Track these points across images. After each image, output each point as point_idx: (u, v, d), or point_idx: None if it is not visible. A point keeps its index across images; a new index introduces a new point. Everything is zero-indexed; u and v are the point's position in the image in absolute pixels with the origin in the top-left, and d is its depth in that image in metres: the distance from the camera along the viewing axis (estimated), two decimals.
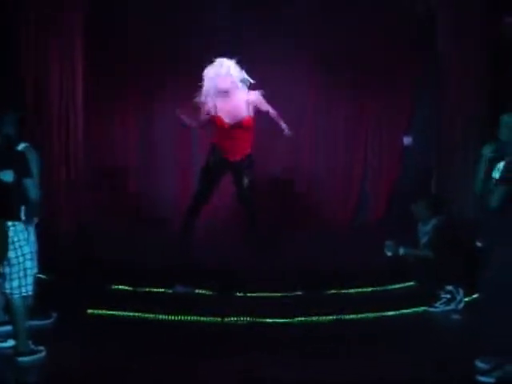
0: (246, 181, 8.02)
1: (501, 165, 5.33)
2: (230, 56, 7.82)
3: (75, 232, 8.93)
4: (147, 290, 7.30)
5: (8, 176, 5.50)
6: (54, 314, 6.58)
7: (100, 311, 6.80)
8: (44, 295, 5.96)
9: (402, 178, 10.34)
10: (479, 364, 5.30)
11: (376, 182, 10.54)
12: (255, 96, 7.81)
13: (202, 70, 8.37)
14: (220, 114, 7.81)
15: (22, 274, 5.59)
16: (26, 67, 8.77)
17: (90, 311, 6.78)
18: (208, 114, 7.88)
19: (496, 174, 5.34)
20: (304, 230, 9.64)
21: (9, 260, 5.54)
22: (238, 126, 7.81)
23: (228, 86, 7.69)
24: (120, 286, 7.34)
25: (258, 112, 7.96)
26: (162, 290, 7.29)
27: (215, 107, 7.83)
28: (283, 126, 7.95)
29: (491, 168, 5.42)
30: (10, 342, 5.76)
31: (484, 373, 5.21)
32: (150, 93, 10.39)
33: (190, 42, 9.93)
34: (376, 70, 10.24)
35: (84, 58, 9.38)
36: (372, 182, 10.58)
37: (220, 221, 9.83)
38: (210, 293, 7.25)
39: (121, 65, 10.09)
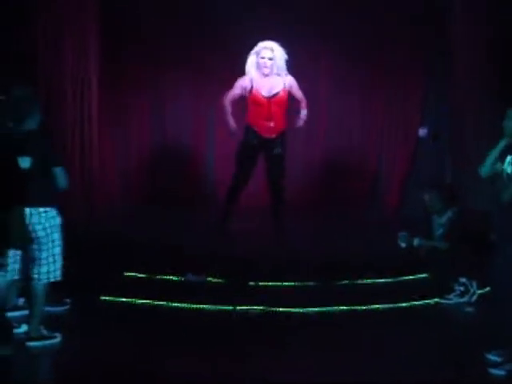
0: (278, 159, 8.19)
1: (510, 158, 5.29)
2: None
3: (89, 219, 8.95)
4: (160, 277, 7.31)
5: (25, 162, 5.53)
6: (68, 301, 6.63)
7: (113, 298, 6.84)
8: (58, 282, 5.97)
9: (416, 169, 10.31)
10: (491, 356, 5.30)
11: (390, 173, 10.51)
12: (291, 80, 8.16)
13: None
14: (257, 88, 8.05)
15: (51, 259, 5.67)
16: (40, 56, 8.79)
17: (103, 298, 6.82)
18: (245, 89, 8.10)
19: (508, 168, 5.30)
20: (316, 220, 9.63)
21: (40, 245, 5.60)
22: (274, 100, 8.03)
23: (277, 69, 8.03)
24: (133, 273, 7.36)
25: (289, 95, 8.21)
26: (175, 277, 7.29)
27: (252, 82, 8.08)
28: (303, 116, 8.20)
29: (502, 158, 5.38)
30: (24, 328, 5.80)
31: (496, 365, 5.21)
32: (164, 79, 10.40)
33: (203, 29, 9.97)
34: (389, 59, 10.23)
35: (98, 46, 9.40)
36: (386, 173, 10.55)
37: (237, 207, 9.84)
38: (222, 281, 7.24)
39: (135, 56, 10.16)
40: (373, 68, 10.34)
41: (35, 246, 5.62)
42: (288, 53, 8.17)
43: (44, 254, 5.65)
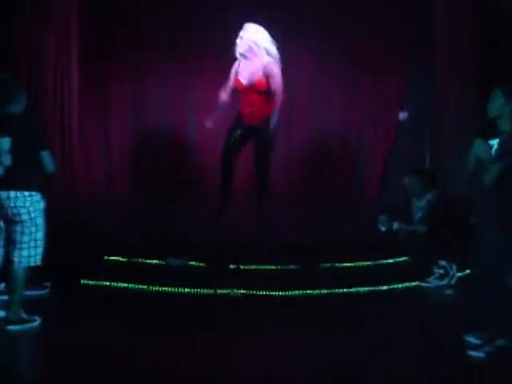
0: (262, 146, 7.99)
1: (494, 142, 5.31)
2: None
3: (70, 203, 8.92)
4: (141, 261, 7.29)
5: (5, 144, 5.50)
6: (48, 284, 6.61)
7: (94, 282, 6.82)
8: (38, 265, 5.94)
9: (396, 153, 10.34)
10: (470, 339, 5.34)
11: (371, 158, 10.54)
12: (271, 68, 7.80)
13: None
14: (239, 74, 7.92)
15: (32, 244, 5.65)
16: (20, 41, 8.71)
17: (83, 282, 6.80)
18: (234, 75, 7.97)
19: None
20: (297, 204, 9.65)
21: (23, 228, 5.58)
22: (252, 88, 7.83)
23: (245, 50, 7.82)
24: (113, 257, 7.34)
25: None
26: (156, 261, 7.28)
27: (238, 67, 7.95)
28: (273, 122, 7.86)
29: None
30: (2, 313, 5.77)
31: (475, 347, 5.26)
32: (146, 65, 10.38)
33: (190, 19, 9.94)
34: (370, 44, 10.24)
35: (80, 33, 9.35)
36: (367, 157, 10.58)
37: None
38: (203, 265, 7.25)
39: (116, 43, 10.12)
40: (355, 54, 10.34)
41: (18, 229, 5.60)
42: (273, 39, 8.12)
43: (26, 238, 5.62)
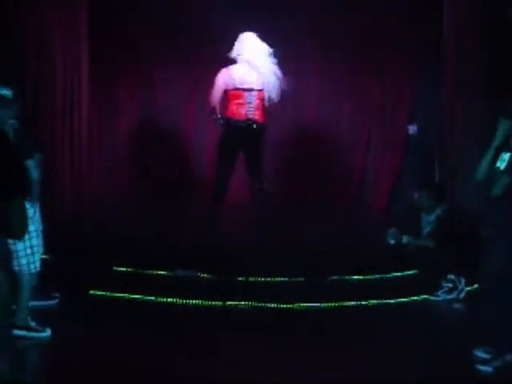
0: (257, 148, 8.27)
1: (507, 155, 5.31)
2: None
3: (78, 213, 8.93)
4: (149, 272, 7.30)
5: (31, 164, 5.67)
6: (57, 295, 6.62)
7: (102, 293, 6.84)
8: (47, 276, 5.97)
9: (405, 166, 10.33)
10: (479, 353, 5.32)
11: (379, 172, 10.52)
12: (273, 74, 8.18)
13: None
14: (236, 81, 8.17)
15: (29, 251, 5.70)
16: (27, 40, 8.73)
17: (92, 292, 6.82)
18: (225, 84, 8.21)
19: (501, 164, 5.32)
20: (305, 216, 9.65)
21: None
22: (251, 91, 8.14)
23: (250, 58, 8.15)
24: (122, 268, 7.35)
25: None
26: (164, 272, 7.29)
27: (234, 75, 8.19)
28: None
29: (496, 157, 5.40)
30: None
31: (483, 362, 5.24)
32: (154, 66, 10.39)
33: (191, 17, 9.97)
34: (380, 55, 10.24)
35: (88, 33, 9.37)
36: (375, 171, 10.56)
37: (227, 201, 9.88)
38: (212, 276, 7.25)
39: (124, 44, 10.16)
40: (362, 66, 10.34)
41: (10, 240, 5.61)
42: (276, 47, 8.29)
43: (20, 247, 5.68)
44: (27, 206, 5.63)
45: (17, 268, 5.70)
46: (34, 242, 5.74)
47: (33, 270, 5.74)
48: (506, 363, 5.20)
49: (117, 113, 10.48)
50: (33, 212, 5.77)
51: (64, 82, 9.05)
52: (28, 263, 5.70)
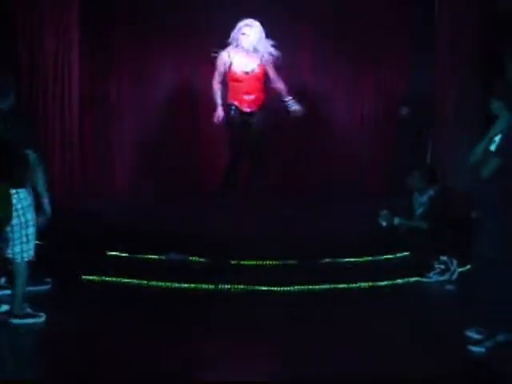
0: (256, 130, 8.46)
1: (497, 138, 5.32)
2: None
3: (69, 200, 8.91)
4: (142, 256, 7.30)
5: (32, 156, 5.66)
6: (49, 280, 6.62)
7: (94, 277, 6.84)
8: (39, 261, 5.96)
9: (397, 148, 10.32)
10: (471, 334, 5.34)
11: (372, 152, 10.51)
12: (269, 59, 8.41)
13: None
14: (235, 64, 8.37)
15: (24, 239, 5.69)
16: (20, 32, 8.70)
17: (84, 277, 6.81)
18: (225, 64, 8.42)
19: (492, 146, 5.33)
20: (298, 197, 9.66)
21: (12, 226, 5.62)
22: (251, 75, 8.35)
23: (251, 44, 8.33)
24: (114, 253, 7.35)
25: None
26: (157, 256, 7.29)
27: (230, 58, 8.41)
28: (292, 108, 8.55)
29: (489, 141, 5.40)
30: (4, 308, 5.81)
31: (476, 343, 5.26)
32: (148, 55, 10.33)
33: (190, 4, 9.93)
34: (373, 39, 10.21)
35: (79, 27, 9.31)
36: (368, 151, 10.56)
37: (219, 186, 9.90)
38: (204, 260, 7.25)
39: (117, 27, 10.08)
40: (356, 51, 10.29)
41: (8, 228, 5.63)
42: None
43: (17, 235, 5.67)
44: (25, 193, 5.66)
45: (10, 255, 5.70)
46: (30, 230, 5.72)
47: (25, 259, 5.72)
48: (498, 344, 5.22)
49: (109, 106, 10.41)
50: (30, 200, 5.75)
51: (54, 82, 9.02)
52: (22, 251, 5.69)
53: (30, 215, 5.72)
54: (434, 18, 9.27)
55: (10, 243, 5.68)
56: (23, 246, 5.69)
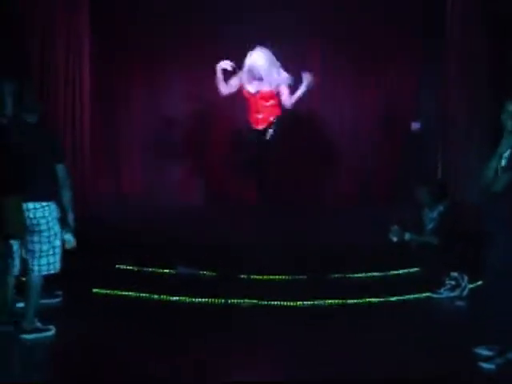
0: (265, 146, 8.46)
1: (507, 152, 5.31)
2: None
3: (79, 210, 8.92)
4: (151, 270, 7.31)
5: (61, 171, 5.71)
6: (60, 293, 6.64)
7: (105, 291, 6.85)
8: (50, 274, 5.97)
9: (407, 163, 10.33)
10: (481, 351, 5.32)
11: (382, 167, 10.52)
12: (280, 87, 8.44)
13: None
14: (247, 85, 8.48)
15: (51, 251, 5.72)
16: (31, 33, 8.74)
17: (95, 290, 6.83)
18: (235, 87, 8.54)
19: (503, 162, 5.33)
20: (307, 214, 9.66)
21: (41, 238, 5.65)
22: (259, 95, 8.41)
23: (262, 75, 8.38)
24: (124, 266, 7.36)
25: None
26: (166, 270, 7.30)
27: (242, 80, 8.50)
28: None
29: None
30: (21, 304, 5.85)
31: (486, 359, 5.24)
32: (157, 67, 10.41)
33: (200, 13, 9.99)
34: (384, 54, 10.26)
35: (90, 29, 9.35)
36: (378, 166, 10.56)
37: (229, 200, 9.94)
38: (214, 274, 7.26)
39: (128, 33, 10.16)
40: (367, 63, 10.36)
41: (35, 239, 5.66)
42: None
43: (45, 247, 5.69)
44: (54, 206, 5.70)
45: (36, 268, 5.68)
46: (58, 242, 5.76)
47: (52, 271, 5.74)
48: (508, 361, 5.20)
49: (118, 111, 10.47)
50: (58, 213, 5.77)
51: (65, 94, 9.05)
52: (48, 263, 5.71)
53: (58, 228, 5.75)
54: (445, 29, 9.26)
55: (37, 255, 5.67)
56: (49, 259, 5.71)
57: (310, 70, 10.05)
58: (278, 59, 8.43)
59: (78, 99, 9.19)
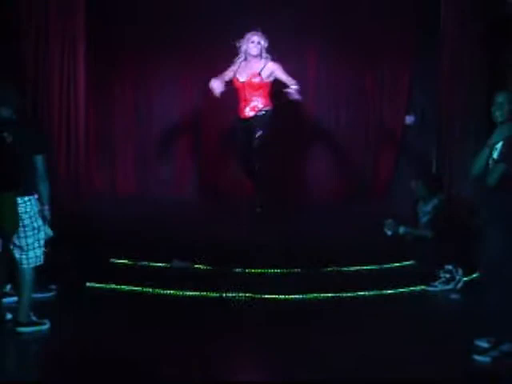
0: (257, 135, 8.35)
1: (499, 145, 5.31)
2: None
3: (75, 207, 8.91)
4: (145, 263, 7.30)
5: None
6: (53, 287, 6.63)
7: (98, 285, 6.83)
8: (44, 268, 5.96)
9: (402, 157, 10.34)
10: (481, 343, 5.31)
11: (377, 160, 10.51)
12: (272, 66, 8.43)
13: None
14: (237, 73, 8.48)
15: (36, 244, 5.75)
16: (25, 41, 8.72)
17: (88, 284, 6.81)
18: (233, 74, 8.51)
19: (494, 154, 5.32)
20: (303, 206, 9.66)
21: (25, 232, 5.66)
22: (248, 83, 8.41)
23: (256, 53, 8.45)
24: (119, 260, 7.35)
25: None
26: (161, 264, 7.29)
27: (237, 67, 8.52)
28: (292, 89, 8.27)
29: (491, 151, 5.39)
30: (9, 316, 5.81)
31: (481, 352, 5.23)
32: (150, 68, 10.38)
33: (193, 16, 9.94)
34: (377, 48, 10.24)
35: (85, 38, 9.31)
36: (372, 159, 10.55)
37: (223, 195, 9.91)
38: (208, 268, 7.24)
39: (121, 42, 10.13)
40: (361, 57, 10.34)
41: (21, 234, 5.67)
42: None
43: (30, 240, 5.71)
44: (35, 200, 5.70)
45: (25, 261, 5.70)
46: (41, 235, 5.79)
47: (38, 263, 5.76)
48: (503, 353, 5.19)
49: (113, 113, 10.47)
50: (39, 207, 5.77)
51: (60, 93, 9.00)
52: (36, 256, 5.74)
53: (40, 221, 5.77)
54: (440, 26, 9.25)
55: (24, 249, 5.69)
56: (36, 251, 5.74)
57: (305, 67, 10.25)
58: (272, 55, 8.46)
59: (72, 97, 9.13)
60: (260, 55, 8.41)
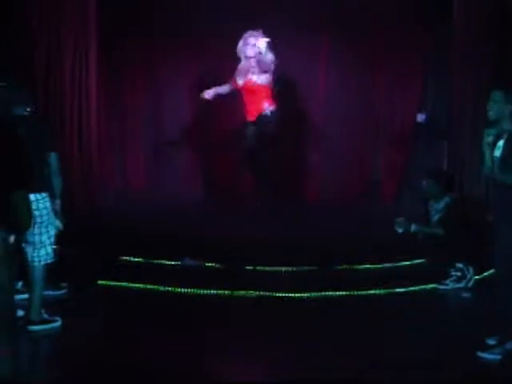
0: (255, 136, 8.65)
1: (501, 143, 5.29)
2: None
3: (87, 203, 8.95)
4: (157, 261, 7.32)
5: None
6: (65, 285, 6.66)
7: (110, 282, 6.86)
8: (55, 266, 5.99)
9: (413, 155, 10.31)
10: (490, 342, 5.29)
11: (388, 160, 10.49)
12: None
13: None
14: (236, 76, 8.73)
15: (48, 242, 5.80)
16: (37, 48, 8.77)
17: (100, 282, 6.84)
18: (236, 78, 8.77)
19: (496, 153, 5.29)
20: (314, 204, 9.66)
21: (40, 229, 5.71)
22: (246, 87, 8.62)
23: (254, 54, 8.64)
24: (130, 258, 7.37)
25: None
26: (172, 262, 7.30)
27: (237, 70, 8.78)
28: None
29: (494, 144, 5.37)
30: (20, 313, 5.83)
31: (488, 349, 5.21)
32: (162, 70, 10.43)
33: (204, 22, 9.94)
34: (388, 44, 10.20)
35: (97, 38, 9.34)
36: (384, 160, 10.53)
37: (233, 193, 9.92)
38: (219, 266, 7.26)
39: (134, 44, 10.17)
40: (372, 54, 10.31)
41: (36, 231, 5.69)
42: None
43: (44, 237, 5.76)
44: (48, 197, 5.75)
45: (36, 259, 5.74)
46: (52, 232, 5.84)
47: (49, 260, 5.81)
48: (507, 351, 5.17)
49: (125, 109, 10.51)
50: (50, 204, 5.82)
51: (72, 92, 9.04)
52: (47, 254, 5.78)
53: (52, 218, 5.83)
54: (452, 27, 9.23)
55: (37, 246, 5.73)
56: (47, 249, 5.78)
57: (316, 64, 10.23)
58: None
59: (84, 97, 9.17)
60: (256, 59, 8.53)
